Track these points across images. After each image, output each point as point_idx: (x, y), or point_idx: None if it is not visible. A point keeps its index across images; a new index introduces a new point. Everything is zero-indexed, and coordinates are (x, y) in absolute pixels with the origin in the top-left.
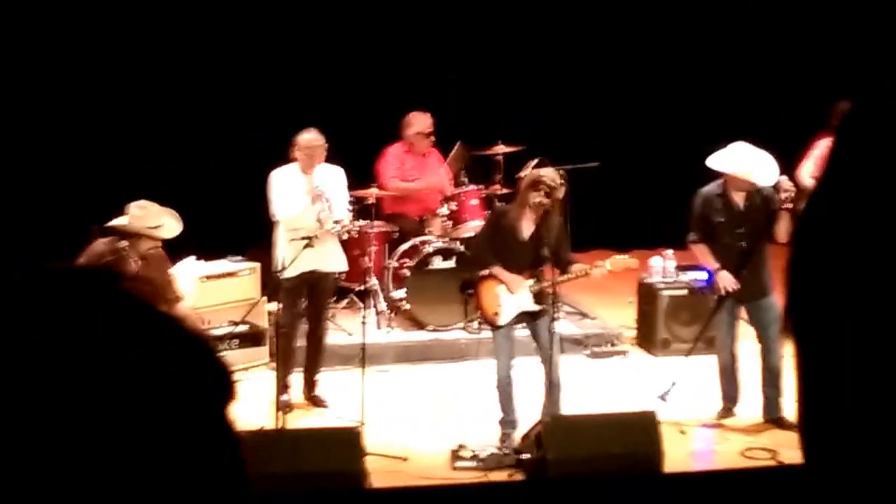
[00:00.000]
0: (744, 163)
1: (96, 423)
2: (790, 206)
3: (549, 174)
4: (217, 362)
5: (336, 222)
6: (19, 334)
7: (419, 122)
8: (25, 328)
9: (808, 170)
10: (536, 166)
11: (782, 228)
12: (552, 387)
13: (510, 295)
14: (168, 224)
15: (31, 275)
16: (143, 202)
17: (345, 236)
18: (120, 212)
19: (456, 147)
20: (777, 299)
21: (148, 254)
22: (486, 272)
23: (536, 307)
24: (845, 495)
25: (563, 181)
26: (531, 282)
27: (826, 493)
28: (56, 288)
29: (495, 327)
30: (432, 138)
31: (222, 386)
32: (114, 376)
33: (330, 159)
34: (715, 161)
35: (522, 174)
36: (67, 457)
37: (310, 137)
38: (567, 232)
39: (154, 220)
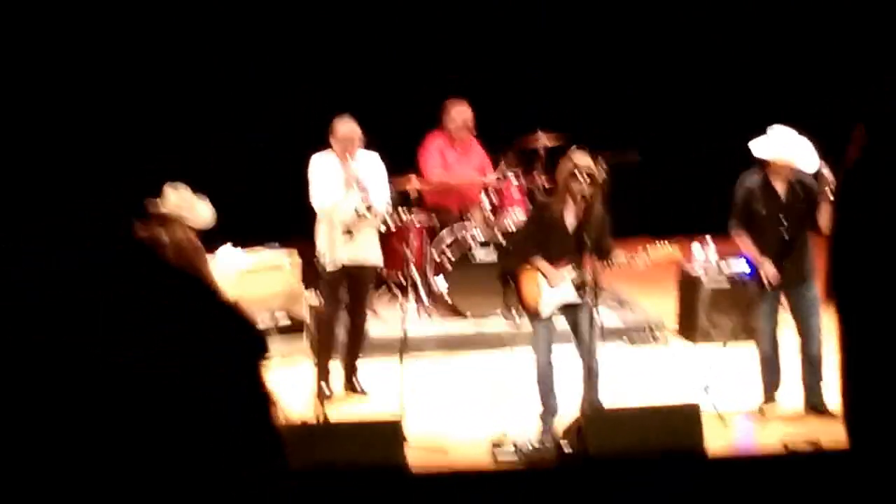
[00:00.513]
0: (786, 148)
1: (135, 383)
2: (830, 196)
3: (586, 161)
4: (248, 322)
5: (368, 208)
6: (58, 300)
7: (459, 115)
8: (62, 294)
9: None
10: (573, 153)
11: (824, 219)
12: (591, 376)
13: (553, 284)
14: (201, 211)
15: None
16: (177, 184)
17: (381, 227)
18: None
19: (508, 153)
20: (818, 288)
21: (181, 241)
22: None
23: (578, 298)
24: (890, 478)
25: (601, 167)
26: (572, 272)
27: (871, 477)
28: (99, 253)
29: (537, 318)
30: (473, 130)
31: (255, 344)
32: (151, 334)
33: (367, 146)
34: (757, 147)
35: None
36: (112, 410)
37: (346, 127)
38: (609, 221)
39: (188, 205)
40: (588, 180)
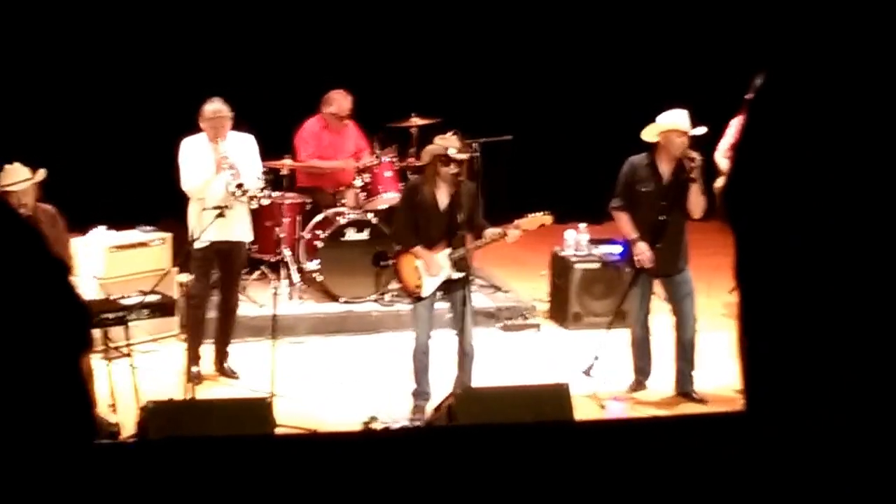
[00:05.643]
0: (672, 117)
1: None
2: (696, 177)
3: (452, 143)
4: (78, 311)
5: (239, 186)
6: None
7: (338, 104)
8: None
9: (723, 150)
10: (439, 137)
11: (693, 202)
12: (465, 358)
13: (430, 266)
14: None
15: None
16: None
17: (253, 205)
18: None
19: (378, 137)
20: (690, 273)
21: (35, 212)
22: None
23: (458, 274)
24: (786, 440)
25: (469, 148)
26: (449, 251)
27: (767, 439)
28: None
29: (418, 299)
30: (350, 115)
31: (77, 333)
32: None
33: (244, 129)
34: (646, 131)
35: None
36: None
37: (214, 108)
38: (479, 198)
39: (10, 177)
40: (456, 162)
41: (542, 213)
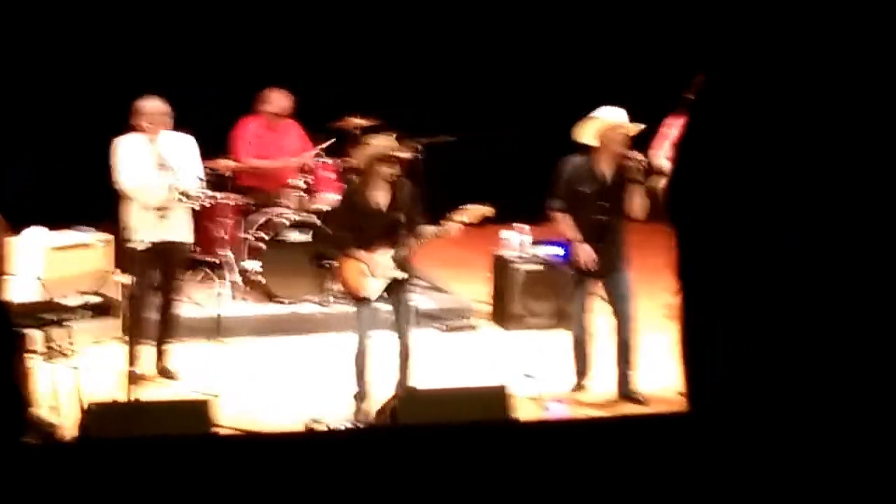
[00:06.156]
0: (610, 113)
1: None
2: (639, 178)
3: (388, 143)
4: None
5: (182, 193)
6: None
7: (277, 103)
8: None
9: (663, 150)
10: (371, 137)
11: (635, 203)
12: (404, 359)
13: (374, 268)
14: None
15: None
16: None
17: (196, 206)
18: None
19: (328, 142)
20: (630, 274)
21: None
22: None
23: (402, 274)
24: (728, 440)
25: (405, 147)
26: (391, 251)
27: (710, 437)
28: None
29: (362, 301)
30: (287, 119)
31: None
32: None
33: (182, 128)
34: (580, 131)
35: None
36: None
37: (153, 105)
38: (419, 196)
39: None
40: (396, 160)
41: (481, 204)
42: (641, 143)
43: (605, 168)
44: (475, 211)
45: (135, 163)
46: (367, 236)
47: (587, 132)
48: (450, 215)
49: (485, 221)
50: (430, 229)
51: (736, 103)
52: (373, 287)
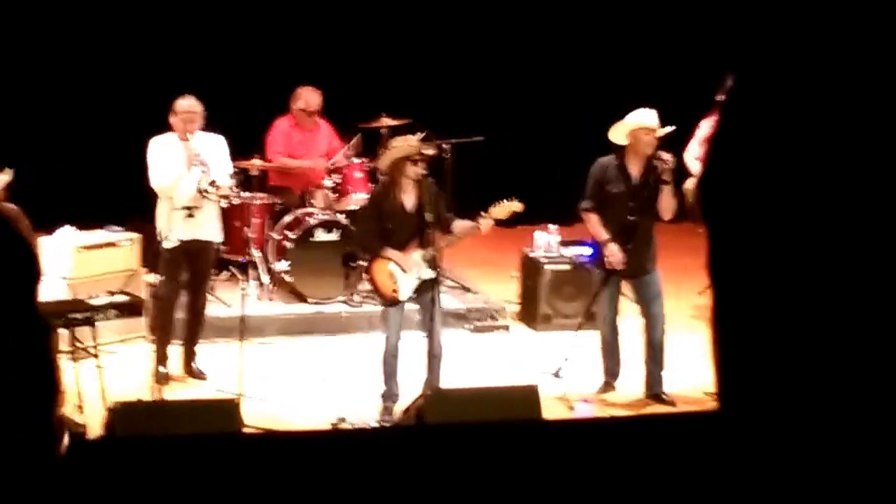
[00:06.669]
0: (636, 115)
1: None
2: (668, 179)
3: (412, 143)
4: (22, 245)
5: (211, 184)
6: None
7: (305, 99)
8: None
9: (694, 152)
10: (394, 139)
11: (664, 203)
12: (433, 359)
13: (405, 269)
14: None
15: None
16: None
17: (223, 204)
18: None
19: (355, 139)
20: (660, 275)
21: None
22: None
23: (431, 273)
24: (759, 441)
25: (429, 146)
26: (422, 252)
27: (740, 439)
28: None
29: (396, 303)
30: (316, 116)
31: (25, 265)
32: None
33: (215, 128)
34: (613, 131)
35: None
36: None
37: (187, 103)
38: (441, 192)
39: None
40: (419, 160)
41: (510, 200)
42: (675, 144)
43: (635, 169)
44: (506, 207)
45: (167, 160)
46: (396, 239)
47: (618, 133)
48: (482, 212)
49: (514, 222)
50: (460, 226)
51: (767, 101)
52: (405, 288)
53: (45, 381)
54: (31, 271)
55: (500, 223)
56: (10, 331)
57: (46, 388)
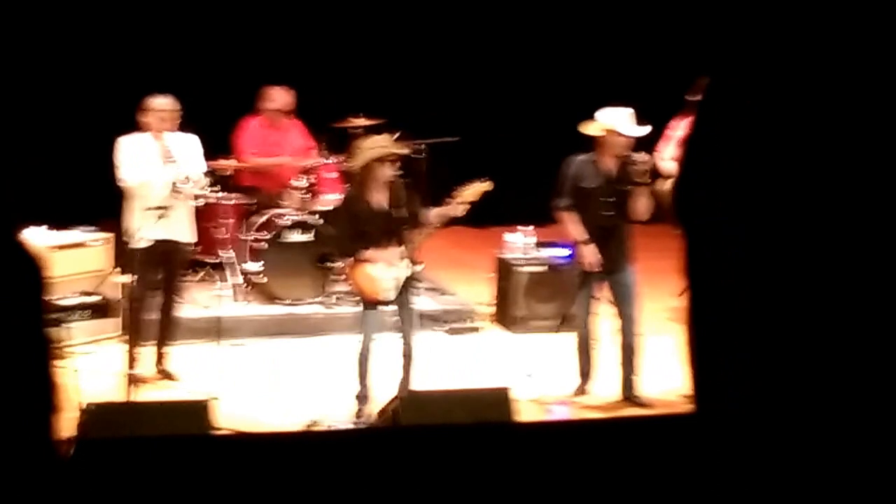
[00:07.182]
0: (608, 116)
1: None
2: (642, 180)
3: (384, 143)
4: (27, 256)
5: (186, 178)
6: None
7: (279, 99)
8: None
9: (668, 152)
10: (364, 140)
11: (640, 204)
12: (408, 360)
13: (386, 269)
14: None
15: None
16: None
17: (199, 203)
18: None
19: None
20: (635, 275)
21: None
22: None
23: (415, 269)
24: (733, 442)
25: (396, 143)
26: (399, 250)
27: (716, 438)
28: None
29: (380, 304)
30: (291, 116)
31: (31, 279)
32: None
33: (185, 128)
34: (585, 125)
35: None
36: None
37: (163, 101)
38: (414, 190)
39: None
40: (392, 160)
41: (478, 181)
42: (648, 144)
43: (609, 164)
44: (475, 188)
45: (139, 160)
46: (373, 241)
47: (590, 129)
48: (450, 197)
49: (488, 223)
50: (435, 214)
51: (742, 103)
52: (389, 287)
53: (44, 391)
54: (36, 284)
55: (474, 223)
56: (14, 343)
57: (46, 399)
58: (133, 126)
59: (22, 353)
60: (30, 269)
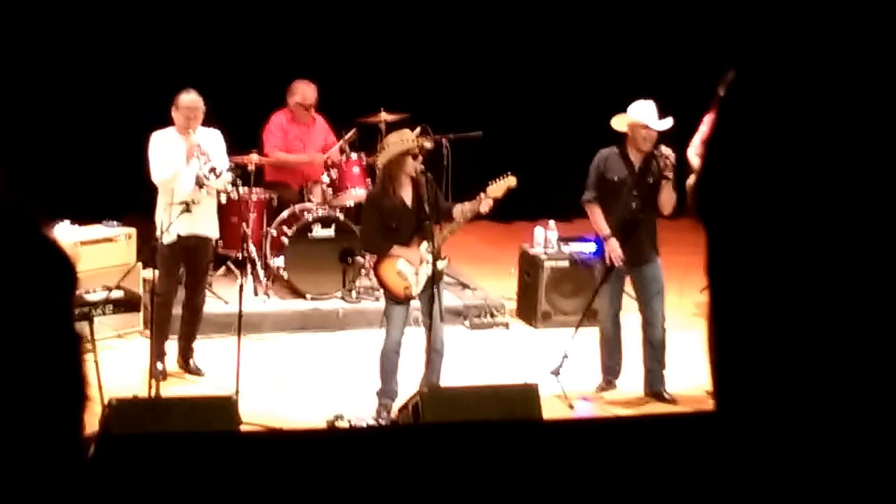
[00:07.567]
0: (638, 111)
1: None
2: (670, 175)
3: (407, 138)
4: (58, 252)
5: (211, 170)
6: None
7: (301, 93)
8: None
9: (696, 148)
10: (390, 136)
11: (665, 198)
12: (434, 356)
13: (413, 265)
14: None
15: None
16: None
17: (222, 198)
18: None
19: (350, 133)
20: (660, 269)
21: None
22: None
23: (440, 266)
24: (757, 442)
25: (425, 138)
26: (426, 245)
27: (737, 438)
28: None
29: (409, 300)
30: (313, 111)
31: (62, 275)
32: None
33: (212, 123)
34: (615, 120)
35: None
36: None
37: (190, 98)
38: (435, 182)
39: None
40: (416, 154)
41: (504, 176)
42: (678, 139)
43: (635, 157)
44: (502, 184)
45: (168, 154)
46: (401, 236)
47: (619, 122)
48: (481, 193)
49: (513, 218)
50: (460, 212)
51: (766, 100)
52: (418, 284)
53: (74, 390)
54: (67, 280)
55: (499, 218)
56: (44, 340)
57: (76, 398)
58: (158, 122)
59: (55, 349)
60: (63, 265)
